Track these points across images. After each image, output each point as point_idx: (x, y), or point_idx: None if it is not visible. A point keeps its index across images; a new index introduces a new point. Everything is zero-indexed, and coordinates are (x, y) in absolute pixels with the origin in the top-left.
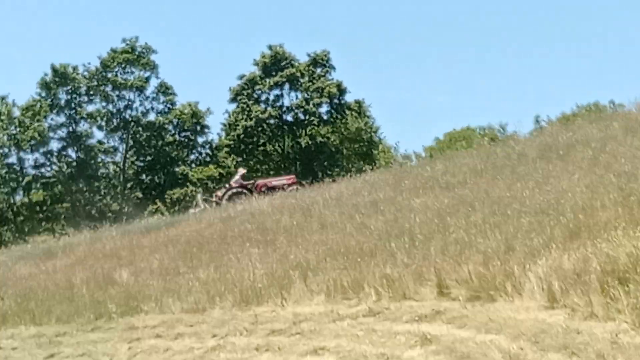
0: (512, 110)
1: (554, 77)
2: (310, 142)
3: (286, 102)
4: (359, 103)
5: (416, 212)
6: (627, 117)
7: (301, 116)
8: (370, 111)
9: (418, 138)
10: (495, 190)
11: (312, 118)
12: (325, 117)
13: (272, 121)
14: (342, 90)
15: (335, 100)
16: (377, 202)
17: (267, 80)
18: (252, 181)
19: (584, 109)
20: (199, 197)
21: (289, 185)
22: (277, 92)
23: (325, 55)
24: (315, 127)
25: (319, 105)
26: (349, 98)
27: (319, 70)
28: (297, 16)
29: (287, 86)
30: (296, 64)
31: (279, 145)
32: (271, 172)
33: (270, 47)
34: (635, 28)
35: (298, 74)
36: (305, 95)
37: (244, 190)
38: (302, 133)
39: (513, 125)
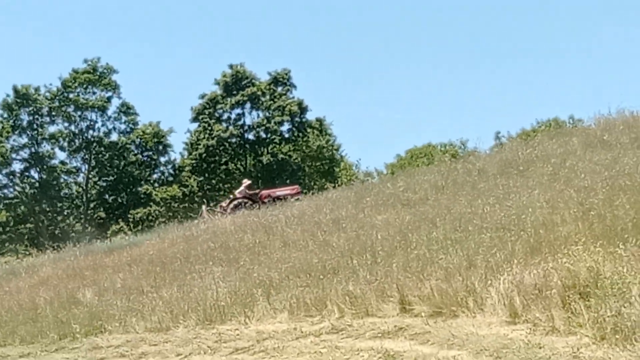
0: (473, 127)
1: (514, 93)
2: (272, 160)
3: (248, 120)
4: (320, 121)
5: (378, 229)
6: (586, 133)
7: (263, 135)
8: (332, 129)
9: (380, 155)
10: (457, 206)
11: (273, 136)
12: (286, 136)
13: (233, 140)
14: (303, 109)
15: (297, 119)
16: (339, 219)
17: (229, 99)
18: (256, 191)
19: (543, 124)
20: (204, 207)
21: (293, 195)
22: (238, 111)
23: (286, 74)
24: (277, 146)
25: (281, 123)
26: (310, 116)
27: (279, 88)
28: (257, 35)
29: (248, 105)
30: (257, 82)
31: (241, 164)
32: (233, 191)
33: (231, 67)
34: (594, 44)
35: (259, 93)
36: (267, 113)
37: (248, 201)
38: (264, 151)
39: (473, 141)
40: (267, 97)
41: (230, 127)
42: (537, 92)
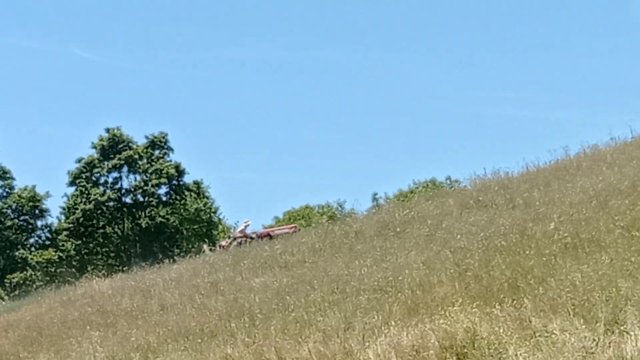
0: (350, 188)
1: (392, 154)
2: (149, 224)
3: (125, 184)
4: (197, 184)
5: (256, 292)
6: (462, 194)
7: (140, 198)
8: (209, 192)
9: (258, 217)
10: (334, 268)
11: (151, 199)
12: (164, 199)
13: (111, 204)
14: (180, 172)
15: (174, 182)
16: (217, 282)
17: (106, 163)
18: (255, 232)
19: (420, 185)
20: (205, 246)
21: (291, 232)
22: (115, 174)
23: (164, 137)
24: (155, 209)
25: (158, 186)
26: (187, 179)
27: (157, 152)
28: (134, 98)
29: (125, 168)
30: (134, 146)
31: (118, 228)
32: (111, 255)
33: (107, 130)
34: (469, 105)
35: (136, 156)
36: (144, 177)
37: (248, 239)
38: (142, 215)
39: (351, 203)
40: (145, 160)
41: (108, 191)
42: (415, 153)
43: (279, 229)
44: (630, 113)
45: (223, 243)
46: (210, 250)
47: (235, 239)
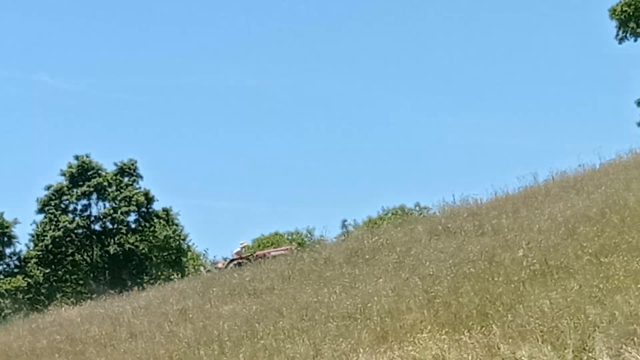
0: (320, 215)
1: (361, 180)
2: (119, 251)
3: (94, 211)
4: (166, 211)
5: (225, 320)
6: (431, 220)
7: (109, 225)
8: (179, 219)
9: (227, 245)
10: (303, 295)
11: (120, 227)
12: (133, 226)
13: (80, 231)
14: (150, 199)
15: (143, 209)
16: (186, 310)
17: (75, 190)
18: (251, 253)
19: (389, 212)
20: (202, 268)
21: (286, 254)
22: (84, 201)
23: (133, 164)
24: (124, 236)
25: (127, 213)
26: (157, 206)
27: (126, 179)
28: (103, 125)
29: (94, 195)
30: (103, 173)
31: (87, 255)
32: (80, 282)
33: (76, 157)
34: (438, 131)
35: (105, 184)
36: (113, 204)
37: (244, 261)
38: (111, 242)
39: (320, 229)
40: (114, 187)
41: (77, 218)
42: (384, 180)
43: (275, 251)
44: (599, 140)
45: (220, 265)
46: (207, 272)
47: (232, 260)
